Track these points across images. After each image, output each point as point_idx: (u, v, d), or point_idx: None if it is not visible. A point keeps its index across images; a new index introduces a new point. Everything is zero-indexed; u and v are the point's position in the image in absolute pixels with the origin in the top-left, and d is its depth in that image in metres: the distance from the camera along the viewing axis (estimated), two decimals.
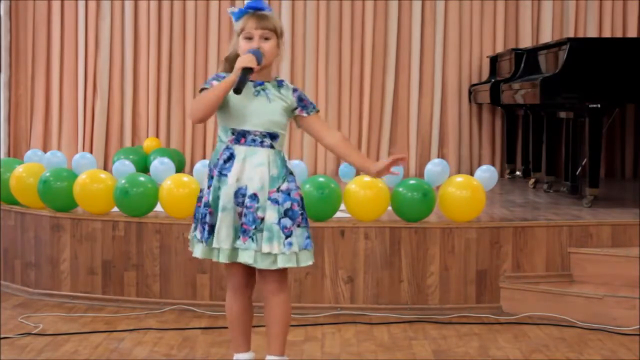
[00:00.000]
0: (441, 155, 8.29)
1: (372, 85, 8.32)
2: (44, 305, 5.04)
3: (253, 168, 3.37)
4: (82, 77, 8.44)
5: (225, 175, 3.38)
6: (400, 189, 4.98)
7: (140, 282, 5.00)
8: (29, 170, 5.37)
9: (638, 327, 4.51)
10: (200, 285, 4.94)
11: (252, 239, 3.34)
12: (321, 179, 5.00)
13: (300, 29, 8.31)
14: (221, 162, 3.40)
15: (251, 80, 3.38)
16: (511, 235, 4.95)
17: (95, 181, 5.12)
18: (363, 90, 8.34)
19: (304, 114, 3.46)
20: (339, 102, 8.35)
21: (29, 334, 4.40)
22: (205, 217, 3.41)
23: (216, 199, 3.39)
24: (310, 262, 3.43)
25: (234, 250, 3.38)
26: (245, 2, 3.45)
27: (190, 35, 8.39)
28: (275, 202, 3.36)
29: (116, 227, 5.04)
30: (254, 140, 3.39)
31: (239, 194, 3.37)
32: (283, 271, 3.43)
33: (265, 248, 3.33)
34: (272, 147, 3.40)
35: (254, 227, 3.35)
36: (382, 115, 8.35)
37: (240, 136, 3.39)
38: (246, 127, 3.39)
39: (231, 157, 3.39)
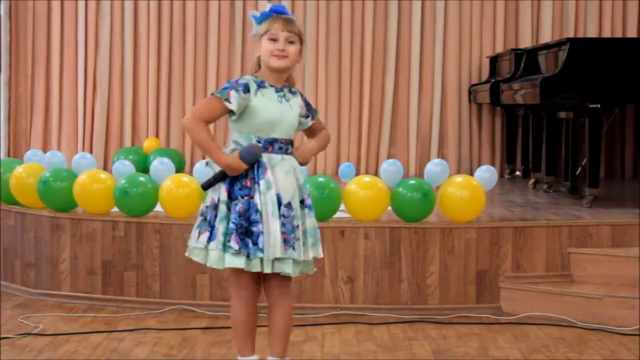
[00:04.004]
0: (441, 155, 8.30)
1: (372, 85, 8.33)
2: (43, 305, 5.04)
3: (283, 176, 3.33)
4: (82, 77, 8.44)
5: (259, 184, 3.28)
6: (400, 189, 4.98)
7: (140, 282, 5.00)
8: (29, 170, 5.37)
9: (638, 327, 4.51)
10: (200, 285, 4.94)
11: (294, 248, 3.30)
12: (321, 179, 5.00)
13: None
14: (255, 171, 3.29)
15: (272, 86, 3.36)
16: (511, 236, 4.95)
17: (95, 181, 5.12)
18: (363, 90, 8.35)
19: (313, 120, 3.48)
20: (339, 102, 8.36)
21: (29, 334, 4.40)
22: (248, 226, 3.27)
23: (259, 209, 3.27)
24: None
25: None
26: (269, 6, 3.42)
27: (190, 35, 8.40)
28: (310, 207, 3.39)
29: (116, 227, 5.04)
30: (280, 148, 3.35)
31: (278, 202, 3.30)
32: (289, 277, 3.41)
33: (312, 253, 3.36)
34: (292, 154, 3.39)
35: (292, 235, 3.30)
36: (382, 115, 8.36)
37: (268, 144, 3.33)
38: (274, 135, 3.33)
39: (260, 165, 3.30)
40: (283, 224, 3.29)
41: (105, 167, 8.19)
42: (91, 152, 8.29)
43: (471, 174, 6.45)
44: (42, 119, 8.52)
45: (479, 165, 7.78)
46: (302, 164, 3.43)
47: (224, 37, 8.39)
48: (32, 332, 4.42)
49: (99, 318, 4.76)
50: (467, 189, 4.98)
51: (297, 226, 3.33)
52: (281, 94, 3.38)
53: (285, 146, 3.36)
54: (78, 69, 8.46)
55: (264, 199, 3.28)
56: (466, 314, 4.83)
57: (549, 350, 4.17)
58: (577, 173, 6.37)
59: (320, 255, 3.41)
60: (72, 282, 5.11)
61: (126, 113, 8.45)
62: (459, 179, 5.08)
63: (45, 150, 8.16)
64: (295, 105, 3.41)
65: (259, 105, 3.32)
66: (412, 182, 5.06)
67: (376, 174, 7.55)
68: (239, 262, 3.26)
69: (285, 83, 3.43)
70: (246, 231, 3.27)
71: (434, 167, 5.67)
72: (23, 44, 8.54)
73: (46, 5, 8.47)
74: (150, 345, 4.24)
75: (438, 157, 8.18)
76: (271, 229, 3.27)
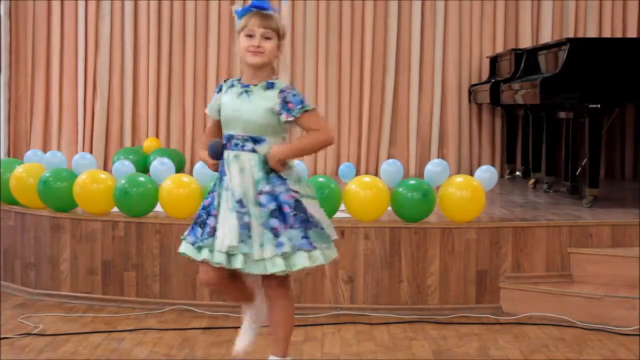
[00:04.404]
0: (441, 155, 8.30)
1: (372, 85, 8.33)
2: (44, 305, 5.04)
3: (236, 174, 3.34)
4: (82, 77, 8.44)
5: (222, 179, 3.38)
6: (400, 189, 4.98)
7: (140, 282, 5.00)
8: (29, 171, 5.37)
9: (638, 327, 4.51)
10: (200, 285, 4.93)
11: (245, 243, 3.30)
12: (321, 179, 5.00)
13: (300, 29, 8.31)
14: (221, 167, 3.40)
15: (240, 83, 3.39)
16: (511, 236, 4.95)
17: (95, 181, 5.12)
18: (363, 90, 8.35)
19: (290, 118, 3.31)
20: (339, 102, 8.36)
21: (29, 334, 4.40)
22: (205, 219, 3.38)
23: (218, 203, 3.37)
24: (307, 264, 3.35)
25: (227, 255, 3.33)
26: (250, 1, 3.44)
27: (190, 35, 8.40)
28: (260, 205, 3.31)
29: (116, 227, 5.04)
30: (236, 145, 3.35)
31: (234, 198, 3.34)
32: (283, 276, 3.39)
33: (258, 254, 3.29)
34: (254, 151, 3.34)
35: (243, 232, 3.30)
36: (382, 115, 8.35)
37: (227, 140, 3.38)
38: (230, 132, 3.37)
39: (224, 162, 3.38)
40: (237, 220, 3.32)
41: (105, 167, 8.19)
42: (91, 152, 8.29)
43: (471, 174, 6.45)
44: (42, 119, 8.52)
45: (479, 165, 7.79)
46: (272, 167, 3.33)
47: (224, 37, 8.39)
48: (32, 332, 4.42)
49: (99, 318, 4.76)
50: (467, 189, 4.98)
51: (248, 223, 3.30)
52: (243, 89, 3.37)
53: (242, 142, 3.34)
54: (78, 69, 8.46)
55: (226, 195, 3.35)
56: (466, 314, 4.83)
57: (549, 350, 4.17)
58: (577, 173, 6.37)
59: (267, 255, 3.29)
60: (72, 282, 5.11)
61: (126, 113, 8.45)
62: (459, 179, 5.08)
63: (45, 150, 8.17)
64: (262, 100, 3.33)
65: (222, 103, 3.42)
66: (412, 182, 5.06)
67: (376, 174, 7.55)
68: (183, 248, 3.42)
69: (275, 78, 3.39)
70: (202, 223, 3.39)
71: (434, 167, 5.66)
72: (23, 44, 8.54)
73: (46, 5, 8.47)
74: (150, 346, 4.24)
75: (438, 157, 8.18)
76: (227, 222, 3.32)
